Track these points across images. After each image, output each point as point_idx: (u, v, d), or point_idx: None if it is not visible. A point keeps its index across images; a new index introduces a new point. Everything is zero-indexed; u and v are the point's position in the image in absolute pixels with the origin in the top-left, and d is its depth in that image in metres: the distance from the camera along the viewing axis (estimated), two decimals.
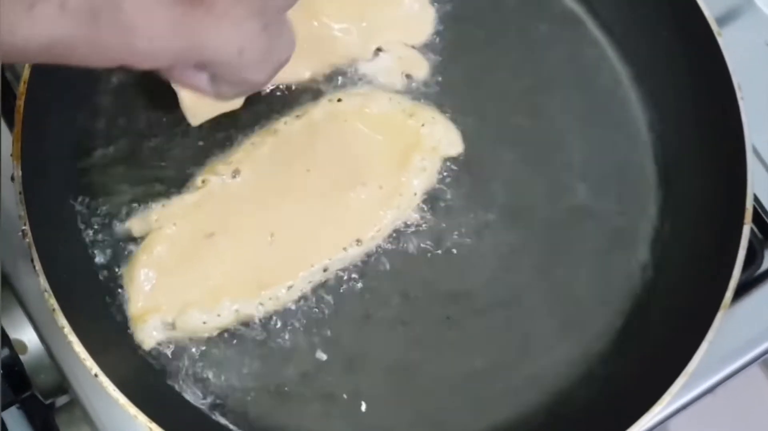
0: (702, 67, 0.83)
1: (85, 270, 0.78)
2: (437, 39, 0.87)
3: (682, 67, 0.85)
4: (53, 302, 0.70)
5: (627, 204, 0.85)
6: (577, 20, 0.90)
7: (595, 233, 0.84)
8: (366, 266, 0.81)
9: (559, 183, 0.85)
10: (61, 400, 0.81)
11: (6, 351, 0.77)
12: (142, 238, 0.78)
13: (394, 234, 0.81)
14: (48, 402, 0.81)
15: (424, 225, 0.82)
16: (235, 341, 0.78)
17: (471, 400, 0.79)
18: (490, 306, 0.81)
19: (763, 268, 0.88)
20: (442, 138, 0.84)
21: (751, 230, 0.82)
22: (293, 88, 0.84)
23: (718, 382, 0.84)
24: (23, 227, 0.71)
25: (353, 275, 0.80)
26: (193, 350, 0.77)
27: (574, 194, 0.85)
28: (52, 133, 0.79)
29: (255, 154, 0.81)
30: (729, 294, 0.75)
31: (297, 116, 0.83)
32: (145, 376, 0.76)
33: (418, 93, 0.85)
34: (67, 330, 0.70)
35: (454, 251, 0.82)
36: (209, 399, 0.76)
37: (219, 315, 0.77)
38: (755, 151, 0.80)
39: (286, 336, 0.78)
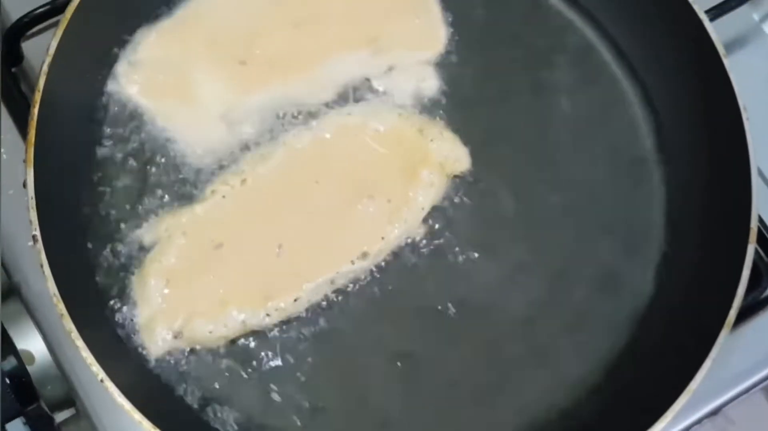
0: (709, 89, 0.84)
1: (93, 278, 0.79)
2: (448, 57, 0.89)
3: (689, 88, 0.86)
4: (62, 307, 0.71)
5: (633, 223, 0.86)
6: (590, 47, 0.91)
7: (602, 251, 0.84)
8: (372, 279, 0.81)
9: (566, 201, 0.86)
10: (66, 414, 0.81)
11: (13, 362, 0.76)
12: (152, 247, 0.79)
13: (401, 248, 0.82)
14: (54, 414, 0.81)
15: (430, 240, 0.82)
16: (240, 351, 0.78)
17: (479, 414, 0.79)
18: (496, 321, 0.81)
19: None
20: (450, 154, 0.84)
21: (757, 253, 0.82)
22: (304, 101, 0.85)
23: (722, 404, 0.84)
24: (33, 232, 0.72)
25: (359, 287, 0.81)
26: (199, 359, 0.78)
27: (581, 212, 0.85)
28: (64, 141, 0.79)
29: (264, 166, 0.82)
30: (733, 312, 0.75)
31: (307, 129, 0.84)
32: (150, 384, 0.76)
33: (427, 109, 0.86)
34: (75, 335, 0.70)
35: (461, 266, 0.82)
36: (213, 407, 0.77)
37: (225, 326, 0.77)
38: (760, 173, 0.81)
39: (291, 347, 0.79)
